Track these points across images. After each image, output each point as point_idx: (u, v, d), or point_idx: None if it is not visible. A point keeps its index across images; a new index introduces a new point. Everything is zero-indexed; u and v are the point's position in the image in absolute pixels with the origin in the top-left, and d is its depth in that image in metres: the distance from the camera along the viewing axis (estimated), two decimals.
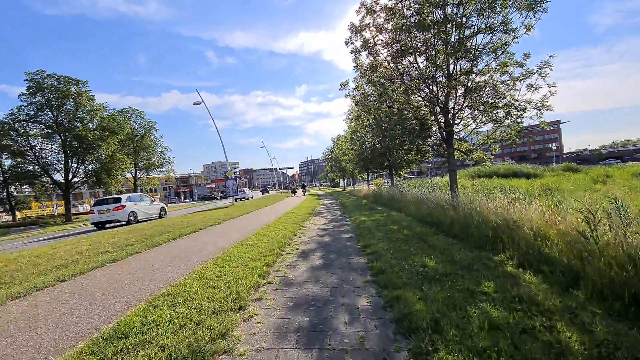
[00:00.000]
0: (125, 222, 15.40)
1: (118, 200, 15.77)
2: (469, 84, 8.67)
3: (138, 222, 15.91)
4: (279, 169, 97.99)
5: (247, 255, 5.90)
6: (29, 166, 28.20)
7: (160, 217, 18.41)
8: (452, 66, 8.89)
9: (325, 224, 10.20)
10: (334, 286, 4.17)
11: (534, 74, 8.42)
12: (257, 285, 4.27)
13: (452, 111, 9.42)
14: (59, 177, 29.54)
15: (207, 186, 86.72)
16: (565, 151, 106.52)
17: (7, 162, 29.42)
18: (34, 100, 27.31)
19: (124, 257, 6.69)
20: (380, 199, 17.37)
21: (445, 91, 9.12)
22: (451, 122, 9.36)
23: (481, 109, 8.99)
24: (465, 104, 9.17)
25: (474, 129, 10.18)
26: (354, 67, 10.30)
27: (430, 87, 9.34)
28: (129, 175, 38.32)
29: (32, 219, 33.50)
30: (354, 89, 10.73)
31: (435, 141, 10.77)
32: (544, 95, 8.28)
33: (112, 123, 31.02)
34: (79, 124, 29.01)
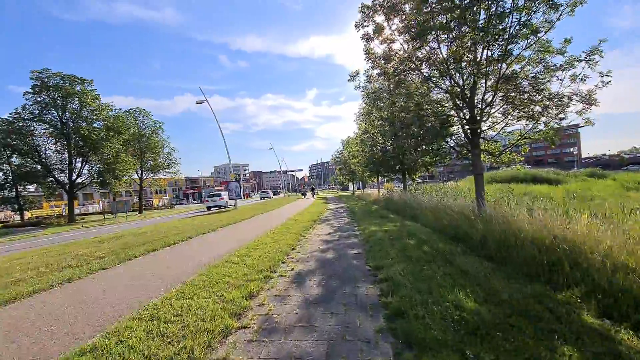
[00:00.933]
0: (223, 207, 25.62)
1: (219, 194, 27.26)
2: (502, 72, 7.32)
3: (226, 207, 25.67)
4: (288, 171, 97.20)
5: (227, 278, 4.70)
6: (36, 166, 27.77)
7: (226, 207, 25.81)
8: (480, 52, 7.57)
9: (330, 234, 8.95)
10: (333, 337, 2.93)
11: (581, 61, 7.05)
12: (225, 331, 3.06)
13: (479, 105, 8.09)
14: (64, 177, 29.10)
15: (215, 188, 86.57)
16: (583, 156, 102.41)
17: (15, 161, 29.08)
18: (38, 99, 26.93)
19: (80, 277, 5.55)
20: (391, 204, 16.03)
21: (472, 80, 7.80)
22: (478, 118, 8.02)
23: (515, 102, 7.63)
24: (496, 96, 7.82)
25: (503, 127, 8.80)
26: (365, 56, 9.08)
27: (455, 77, 8.03)
28: (135, 177, 37.88)
29: (36, 219, 33.28)
30: (365, 80, 9.43)
31: (457, 141, 9.42)
32: (595, 86, 6.90)
33: (117, 123, 30.53)
34: (84, 124, 28.56)
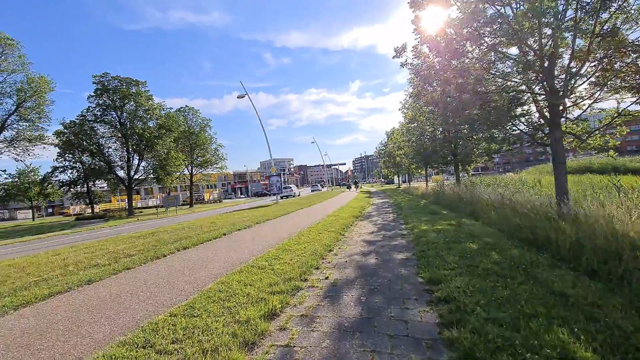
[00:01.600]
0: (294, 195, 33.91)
1: (289, 187, 37.40)
2: (599, 27, 5.63)
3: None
4: (332, 165, 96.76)
5: (249, 288, 3.98)
6: (100, 163, 30.29)
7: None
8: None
9: (373, 233, 7.92)
10: None
11: None
12: None
13: (561, 76, 6.44)
14: (124, 173, 31.45)
15: (261, 182, 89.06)
16: None
17: (85, 160, 31.91)
18: (100, 101, 29.24)
19: (102, 278, 5.22)
20: (442, 199, 14.42)
21: (552, 45, 6.17)
22: (560, 92, 6.37)
23: (615, 68, 5.89)
24: (586, 63, 6.12)
25: (591, 103, 6.97)
26: (413, 28, 7.79)
27: (528, 42, 6.44)
28: (185, 172, 39.95)
29: (104, 212, 36.61)
30: (413, 56, 8.12)
31: (528, 123, 7.74)
32: None
33: (169, 121, 32.15)
34: (139, 123, 30.49)
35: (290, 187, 36.68)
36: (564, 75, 6.26)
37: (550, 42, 6.35)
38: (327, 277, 4.45)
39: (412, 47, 8.51)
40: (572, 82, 6.27)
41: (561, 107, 6.61)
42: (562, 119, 6.86)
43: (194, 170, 40.69)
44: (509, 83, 7.31)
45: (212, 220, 13.37)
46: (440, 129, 16.67)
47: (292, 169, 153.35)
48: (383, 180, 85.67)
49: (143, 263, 6.14)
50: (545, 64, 6.45)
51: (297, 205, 18.84)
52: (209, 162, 39.23)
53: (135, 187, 32.46)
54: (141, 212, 37.93)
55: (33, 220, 52.54)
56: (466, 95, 8.06)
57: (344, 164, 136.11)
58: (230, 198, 76.58)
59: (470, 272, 4.09)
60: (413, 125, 18.99)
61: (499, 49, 6.92)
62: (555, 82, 6.42)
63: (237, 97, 21.59)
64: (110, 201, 53.80)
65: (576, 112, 7.11)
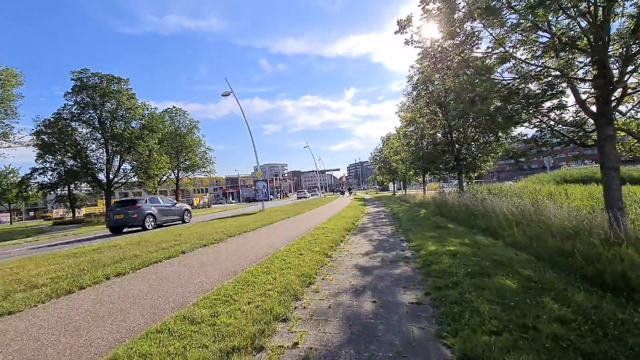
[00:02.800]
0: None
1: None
2: None
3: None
4: (326, 170, 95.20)
5: None
6: (77, 164, 28.20)
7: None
8: None
9: (368, 254, 6.27)
10: None
11: None
12: None
13: (615, 54, 4.94)
14: (104, 176, 29.40)
15: (252, 187, 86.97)
16: None
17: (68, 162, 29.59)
18: (77, 98, 27.33)
19: None
20: (445, 209, 12.88)
21: (606, 12, 4.67)
22: (615, 77, 4.87)
23: None
24: None
25: None
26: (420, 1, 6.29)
27: (570, 12, 4.94)
28: (172, 176, 37.98)
29: (84, 217, 34.41)
30: (416, 33, 6.54)
31: (561, 119, 6.23)
32: None
33: (152, 121, 30.31)
34: (120, 123, 28.62)
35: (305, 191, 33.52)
36: (624, 51, 4.76)
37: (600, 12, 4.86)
38: (297, 343, 2.78)
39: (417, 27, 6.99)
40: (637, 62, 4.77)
41: (614, 97, 5.11)
42: (615, 115, 5.34)
43: (181, 174, 38.79)
44: (542, 68, 5.79)
45: (180, 231, 11.56)
46: (442, 131, 15.21)
47: (286, 175, 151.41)
48: (378, 187, 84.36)
49: (52, 298, 4.41)
50: (592, 40, 4.95)
51: (283, 214, 17.12)
52: (196, 165, 37.35)
53: (124, 191, 30.42)
54: None
55: (10, 223, 50.01)
56: (482, 83, 6.53)
57: (338, 169, 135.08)
58: (221, 203, 74.42)
59: (529, 344, 2.47)
60: (411, 129, 17.52)
61: (530, 21, 5.40)
62: (610, 64, 4.91)
63: (222, 95, 19.96)
64: (97, 205, 51.38)
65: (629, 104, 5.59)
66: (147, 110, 30.73)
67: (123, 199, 16.44)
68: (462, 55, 6.57)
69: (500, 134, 12.84)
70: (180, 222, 16.83)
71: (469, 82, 6.59)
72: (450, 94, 12.85)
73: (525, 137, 7.47)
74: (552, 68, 5.71)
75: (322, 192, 73.73)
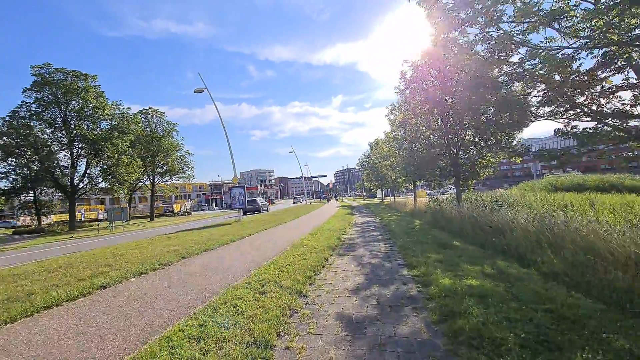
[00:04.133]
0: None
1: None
2: None
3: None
4: (313, 177, 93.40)
5: None
6: (36, 168, 25.47)
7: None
8: None
9: (357, 291, 4.51)
10: None
11: None
12: None
13: None
14: (69, 181, 26.73)
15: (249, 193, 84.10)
16: None
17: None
18: (38, 95, 24.79)
19: None
20: (444, 221, 11.31)
21: None
22: None
23: None
24: None
25: None
26: None
27: None
28: (147, 182, 35.43)
29: (48, 226, 31.41)
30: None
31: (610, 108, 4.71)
32: None
33: (123, 122, 27.96)
34: (87, 123, 26.15)
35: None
36: None
37: None
38: None
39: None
40: None
41: None
42: None
43: (158, 179, 36.23)
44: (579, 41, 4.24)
45: (123, 250, 9.43)
46: (439, 133, 13.74)
47: (272, 181, 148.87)
48: (365, 193, 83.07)
49: None
50: None
51: (260, 225, 15.21)
52: (173, 170, 34.91)
53: (76, 197, 27.69)
54: (91, 225, 32.87)
55: None
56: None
57: (325, 176, 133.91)
58: (203, 209, 71.44)
59: None
60: (400, 133, 15.98)
61: None
62: None
63: (194, 92, 18.01)
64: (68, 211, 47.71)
65: None
66: (118, 110, 28.37)
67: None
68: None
69: (502, 136, 11.49)
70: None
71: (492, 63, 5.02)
72: (455, 84, 11.42)
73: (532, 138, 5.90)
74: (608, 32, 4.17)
75: (304, 199, 71.49)
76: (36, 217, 34.63)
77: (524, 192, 20.48)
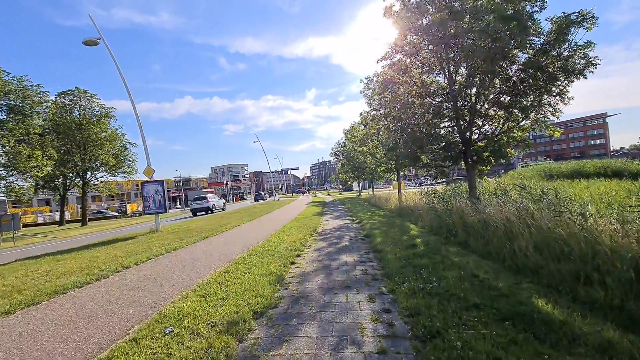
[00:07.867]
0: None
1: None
2: None
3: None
4: (285, 170, 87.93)
5: None
6: None
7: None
8: None
9: None
10: None
11: None
12: None
13: None
14: None
15: (204, 190, 76.99)
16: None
17: None
18: None
19: None
20: (460, 230, 6.95)
21: None
22: None
23: None
24: None
25: None
26: None
27: None
28: (75, 180, 28.92)
29: None
30: None
31: None
32: None
33: (26, 103, 21.57)
34: None
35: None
36: None
37: None
38: None
39: None
40: None
41: None
42: None
43: (92, 175, 29.76)
44: None
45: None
46: (439, 98, 9.26)
47: (246, 175, 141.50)
48: (341, 186, 78.87)
49: None
50: None
51: (177, 239, 10.14)
52: (106, 164, 28.62)
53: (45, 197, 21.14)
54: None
55: None
56: None
57: (298, 168, 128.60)
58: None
59: None
60: (389, 97, 11.34)
61: None
62: None
63: (84, 44, 12.49)
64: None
65: None
66: (20, 86, 21.78)
67: None
68: None
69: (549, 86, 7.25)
70: None
71: None
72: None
73: None
74: None
75: (270, 195, 65.75)
76: None
77: (527, 181, 16.70)
